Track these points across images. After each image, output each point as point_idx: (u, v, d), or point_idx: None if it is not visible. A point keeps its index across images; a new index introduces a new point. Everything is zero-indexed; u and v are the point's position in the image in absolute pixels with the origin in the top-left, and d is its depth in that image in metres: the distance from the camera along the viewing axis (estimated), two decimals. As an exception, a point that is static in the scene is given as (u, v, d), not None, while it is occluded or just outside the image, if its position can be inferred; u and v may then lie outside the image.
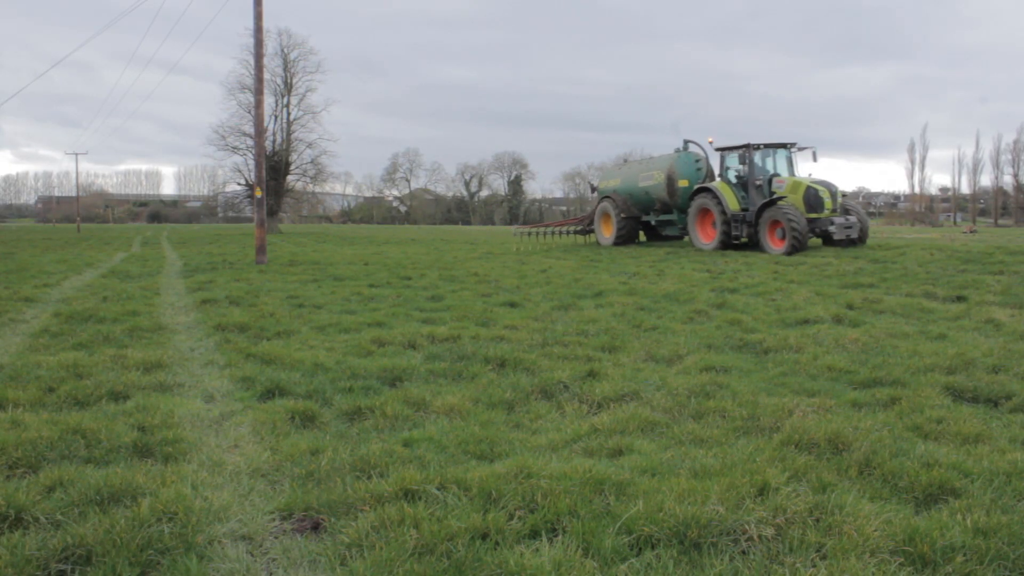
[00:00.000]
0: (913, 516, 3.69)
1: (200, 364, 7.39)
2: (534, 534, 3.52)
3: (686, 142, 26.99)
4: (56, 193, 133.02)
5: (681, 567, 3.24)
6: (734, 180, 23.97)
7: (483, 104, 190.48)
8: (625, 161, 30.71)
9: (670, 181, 26.07)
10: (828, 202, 21.78)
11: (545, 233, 32.90)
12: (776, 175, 23.23)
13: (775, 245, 21.33)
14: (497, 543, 3.39)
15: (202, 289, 14.04)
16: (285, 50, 64.45)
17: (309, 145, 65.36)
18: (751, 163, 23.35)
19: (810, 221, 21.41)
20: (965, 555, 3.26)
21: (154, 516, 3.56)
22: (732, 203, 23.14)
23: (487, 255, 24.98)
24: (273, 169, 60.97)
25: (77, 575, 3.21)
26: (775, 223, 21.50)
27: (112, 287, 14.27)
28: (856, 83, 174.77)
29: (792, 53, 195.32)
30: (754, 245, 23.03)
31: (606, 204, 29.09)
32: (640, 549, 3.37)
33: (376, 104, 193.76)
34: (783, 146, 23.85)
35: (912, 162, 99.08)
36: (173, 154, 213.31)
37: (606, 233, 29.21)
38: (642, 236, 30.00)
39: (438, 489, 3.92)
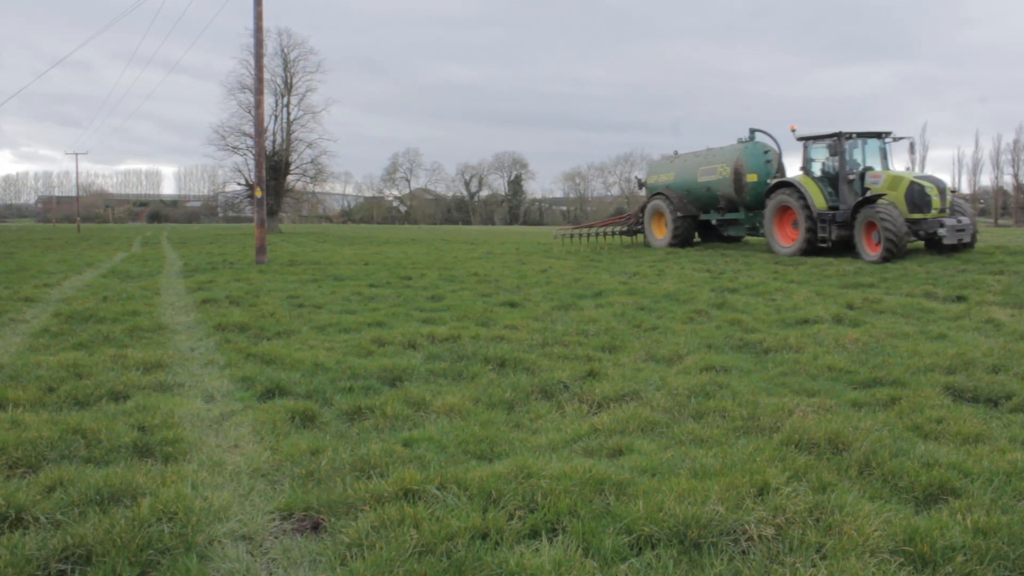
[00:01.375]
0: (913, 516, 3.70)
1: (200, 364, 7.39)
2: (534, 534, 3.52)
3: (752, 131, 23.67)
4: (56, 193, 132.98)
5: (681, 567, 3.24)
6: (818, 174, 20.85)
7: (483, 104, 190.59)
8: (676, 154, 27.02)
9: (737, 175, 22.94)
10: (936, 200, 18.37)
11: (588, 234, 29.51)
12: (869, 168, 19.94)
13: (871, 250, 18.28)
14: (497, 543, 3.39)
15: (202, 289, 14.04)
16: (285, 50, 64.46)
17: (309, 145, 65.41)
18: (842, 155, 19.89)
19: (914, 223, 18.24)
20: (965, 555, 3.26)
21: (154, 516, 3.56)
22: (818, 200, 19.97)
23: (487, 255, 24.98)
24: (273, 169, 60.98)
25: (77, 575, 3.22)
26: (871, 225, 18.34)
27: (112, 287, 14.28)
28: (857, 82, 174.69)
29: (793, 52, 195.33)
30: (842, 249, 19.98)
31: (658, 202, 25.82)
32: (640, 549, 3.37)
33: (376, 104, 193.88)
34: (876, 135, 20.42)
35: (912, 162, 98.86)
36: (173, 154, 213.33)
37: (659, 234, 26.08)
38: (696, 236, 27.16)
39: (438, 489, 3.92)
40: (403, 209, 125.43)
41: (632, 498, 3.79)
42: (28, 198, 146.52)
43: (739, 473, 4.07)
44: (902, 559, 3.27)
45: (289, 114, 64.83)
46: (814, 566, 3.20)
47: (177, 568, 3.22)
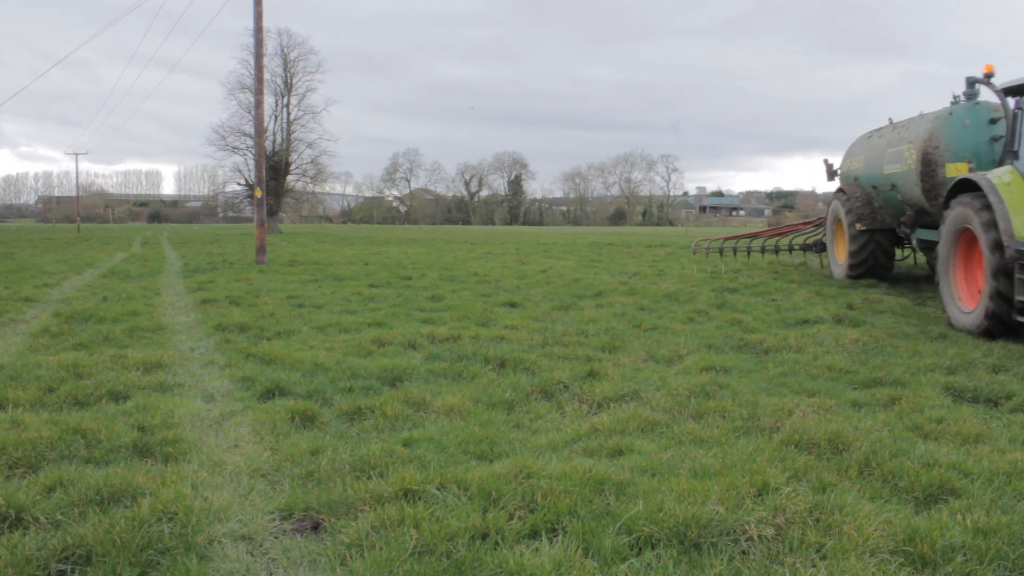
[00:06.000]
0: (913, 516, 3.69)
1: (200, 364, 7.39)
2: (534, 534, 3.52)
3: (972, 81, 11.80)
4: (56, 193, 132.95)
5: (681, 567, 3.24)
6: None
7: (483, 104, 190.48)
8: (890, 122, 15.01)
9: (927, 165, 11.97)
10: None
11: (749, 248, 19.10)
12: None
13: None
14: (497, 543, 3.39)
15: (202, 289, 14.04)
16: (285, 50, 64.65)
17: (309, 145, 65.63)
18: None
19: None
20: (965, 555, 3.26)
21: (154, 516, 3.56)
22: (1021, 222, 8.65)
23: (487, 255, 24.98)
24: (273, 169, 61.04)
25: (77, 575, 3.21)
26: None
27: (112, 287, 14.27)
28: (862, 81, 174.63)
29: (798, 51, 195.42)
30: None
31: (836, 204, 15.72)
32: (640, 549, 3.37)
33: (377, 103, 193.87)
34: None
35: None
36: (173, 154, 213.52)
37: (838, 253, 16.03)
38: (914, 256, 17.06)
39: (438, 489, 3.92)
40: (403, 209, 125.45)
41: (632, 498, 3.79)
42: (28, 198, 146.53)
43: (739, 473, 4.07)
44: (902, 559, 3.27)
45: (289, 114, 65.00)
46: (814, 566, 3.20)
47: (177, 568, 3.22)
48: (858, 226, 14.59)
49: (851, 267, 14.90)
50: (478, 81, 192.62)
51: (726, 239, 20.02)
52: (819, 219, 19.07)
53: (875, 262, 14.75)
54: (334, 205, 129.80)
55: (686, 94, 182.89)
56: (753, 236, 19.92)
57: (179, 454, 4.66)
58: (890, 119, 15.05)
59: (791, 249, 18.74)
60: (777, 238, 19.48)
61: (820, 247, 17.76)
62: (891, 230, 14.58)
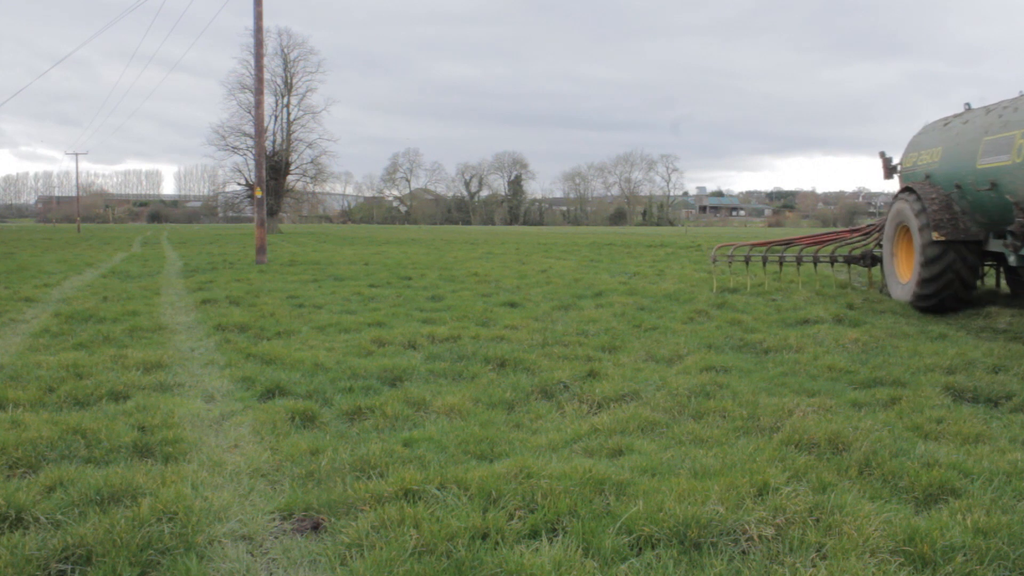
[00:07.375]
0: (913, 516, 3.69)
1: (200, 364, 7.39)
2: (534, 534, 3.52)
3: None
4: (56, 193, 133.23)
5: (681, 567, 3.24)
6: None
7: (483, 103, 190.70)
8: (968, 107, 11.63)
9: None
10: None
11: (783, 259, 15.08)
12: None
13: None
14: (497, 543, 3.39)
15: (202, 289, 14.04)
16: (285, 50, 64.72)
17: (309, 145, 65.72)
18: None
19: None
20: (965, 555, 3.26)
21: (154, 516, 3.56)
22: None
23: (487, 255, 24.98)
24: (273, 169, 61.08)
25: (77, 575, 3.21)
26: None
27: (112, 287, 14.27)
28: (864, 81, 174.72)
29: (798, 51, 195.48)
30: None
31: (903, 206, 11.96)
32: (640, 549, 3.37)
33: (377, 103, 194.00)
34: None
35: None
36: (173, 154, 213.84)
37: (902, 272, 12.30)
38: (992, 278, 13.52)
39: (438, 489, 3.92)
40: (403, 209, 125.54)
41: (632, 498, 3.78)
42: (28, 198, 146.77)
43: (739, 473, 4.06)
44: (902, 559, 3.27)
45: (289, 114, 65.06)
46: (814, 566, 3.20)
47: (177, 568, 3.22)
48: (935, 235, 10.89)
49: (922, 288, 11.01)
50: (478, 81, 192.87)
51: (754, 246, 16.51)
52: (869, 226, 15.82)
53: (955, 284, 10.83)
54: (334, 205, 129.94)
55: (686, 94, 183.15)
56: (787, 244, 16.08)
57: (179, 454, 4.66)
58: (967, 104, 12.04)
59: (833, 261, 14.87)
60: (816, 247, 15.66)
61: (870, 260, 14.23)
62: (978, 242, 10.81)
